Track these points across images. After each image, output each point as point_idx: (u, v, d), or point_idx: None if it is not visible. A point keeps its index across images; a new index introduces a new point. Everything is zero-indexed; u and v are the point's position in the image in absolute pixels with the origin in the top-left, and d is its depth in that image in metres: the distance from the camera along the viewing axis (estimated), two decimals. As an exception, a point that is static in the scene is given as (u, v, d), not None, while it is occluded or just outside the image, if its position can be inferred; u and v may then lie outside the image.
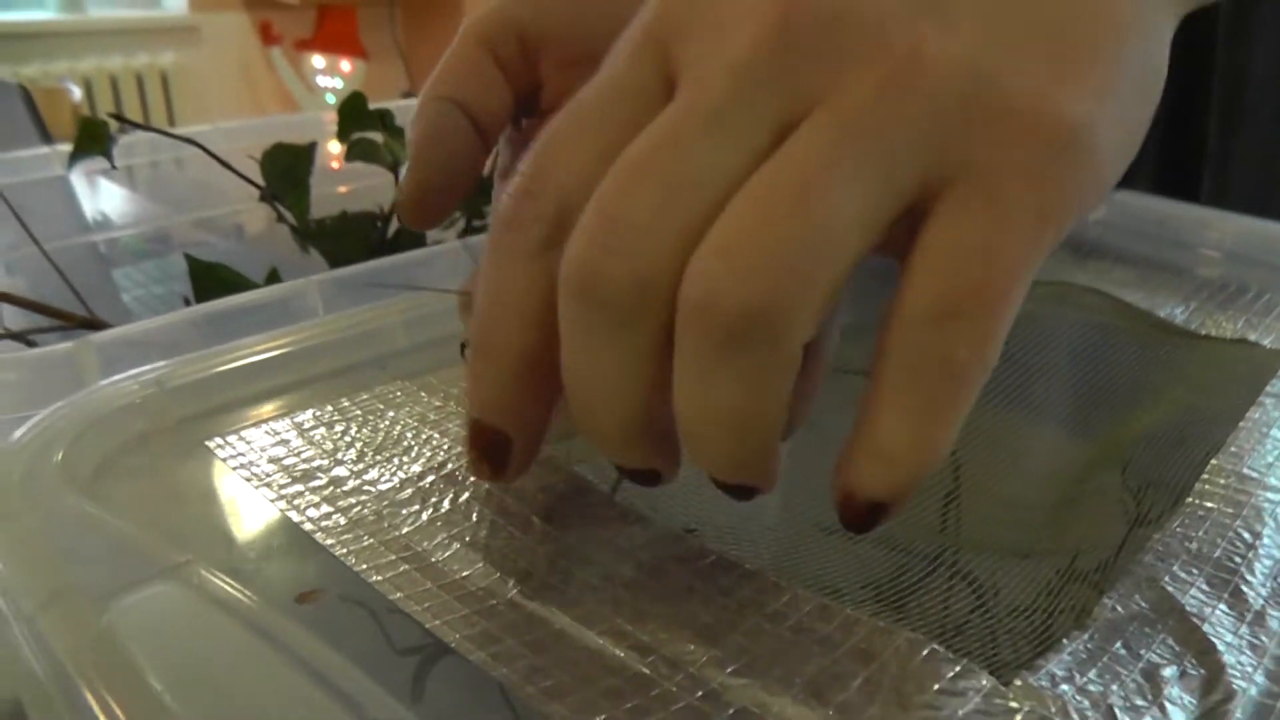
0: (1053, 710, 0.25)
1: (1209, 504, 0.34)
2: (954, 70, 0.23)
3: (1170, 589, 0.30)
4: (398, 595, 0.28)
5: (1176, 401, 0.44)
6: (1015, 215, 0.23)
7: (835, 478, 0.25)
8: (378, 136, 0.71)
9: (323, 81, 3.33)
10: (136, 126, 0.69)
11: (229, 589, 0.27)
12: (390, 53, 3.13)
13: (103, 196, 0.85)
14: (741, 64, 0.23)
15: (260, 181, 0.67)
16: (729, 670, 0.26)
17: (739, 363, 0.23)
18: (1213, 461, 0.36)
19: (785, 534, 0.34)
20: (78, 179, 0.83)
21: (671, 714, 0.24)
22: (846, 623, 0.27)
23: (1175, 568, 0.30)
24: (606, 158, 0.24)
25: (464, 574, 0.29)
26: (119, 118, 0.67)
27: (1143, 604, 0.29)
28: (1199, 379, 0.46)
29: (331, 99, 3.27)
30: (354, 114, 0.72)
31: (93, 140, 0.67)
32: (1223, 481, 0.35)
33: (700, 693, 0.25)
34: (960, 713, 0.24)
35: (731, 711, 0.24)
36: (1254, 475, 0.36)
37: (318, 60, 3.32)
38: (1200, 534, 0.32)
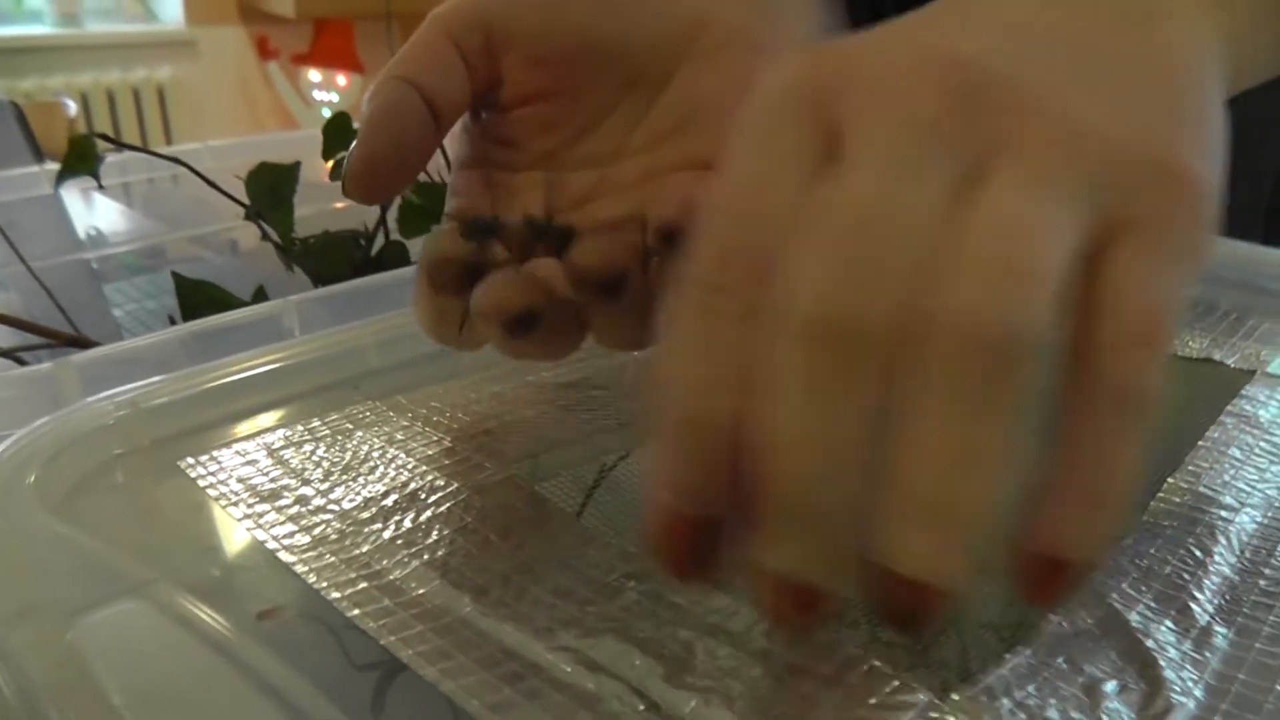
0: (987, 726, 0.25)
1: (1163, 521, 0.35)
2: (1104, 129, 0.25)
3: (1118, 605, 0.30)
4: (355, 612, 0.29)
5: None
6: (1174, 257, 0.25)
7: (1025, 543, 0.25)
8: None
9: (319, 96, 3.34)
10: (123, 146, 0.70)
11: (193, 607, 0.28)
12: (387, 67, 3.13)
13: (96, 213, 0.86)
14: (926, 119, 0.25)
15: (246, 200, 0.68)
16: (672, 684, 0.26)
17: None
18: (1169, 480, 0.37)
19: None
20: (72, 196, 0.84)
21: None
22: (791, 638, 0.28)
23: (1124, 585, 0.31)
24: (800, 214, 0.24)
25: (420, 591, 0.30)
26: (106, 138, 0.67)
27: (1089, 620, 0.30)
28: (1166, 397, 0.46)
29: (329, 113, 3.27)
30: (338, 133, 0.72)
31: (81, 160, 0.67)
32: (1178, 500, 0.36)
33: (642, 706, 0.26)
34: (896, 728, 0.25)
35: (676, 726, 0.25)
36: (1209, 493, 0.36)
37: (314, 75, 3.33)
38: (1152, 551, 0.33)
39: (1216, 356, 0.49)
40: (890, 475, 0.23)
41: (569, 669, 0.27)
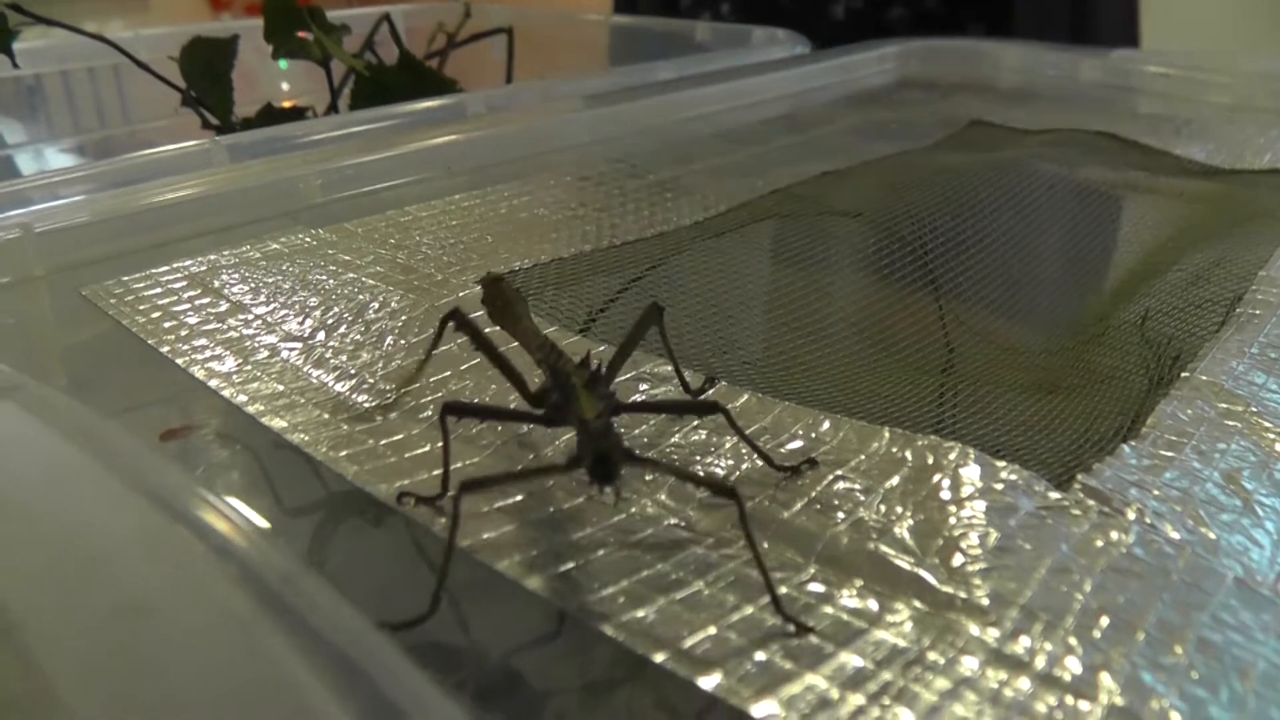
0: (1130, 516, 0.19)
1: (1256, 311, 0.29)
2: None
3: (1237, 391, 0.24)
4: (282, 425, 0.22)
5: (1206, 231, 0.39)
6: None
7: None
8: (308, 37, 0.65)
9: (275, 45, 3.24)
10: (39, 20, 0.62)
11: (71, 415, 0.21)
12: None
13: (25, 109, 0.79)
14: None
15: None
16: (702, 496, 0.20)
17: None
18: (1261, 272, 0.32)
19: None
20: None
21: (666, 561, 0.19)
22: (863, 434, 0.22)
23: (1239, 369, 0.25)
24: None
25: (369, 404, 0.23)
26: (18, 8, 0.60)
27: (1208, 409, 0.24)
28: (1229, 211, 0.41)
29: (285, 65, 3.17)
30: (281, 11, 0.65)
31: (-10, 34, 0.60)
32: (1276, 290, 0.30)
33: (673, 520, 0.19)
34: (1013, 521, 0.19)
35: (710, 540, 0.19)
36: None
37: (269, 23, 3.24)
38: (1261, 337, 0.27)
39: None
40: None
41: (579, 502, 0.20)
